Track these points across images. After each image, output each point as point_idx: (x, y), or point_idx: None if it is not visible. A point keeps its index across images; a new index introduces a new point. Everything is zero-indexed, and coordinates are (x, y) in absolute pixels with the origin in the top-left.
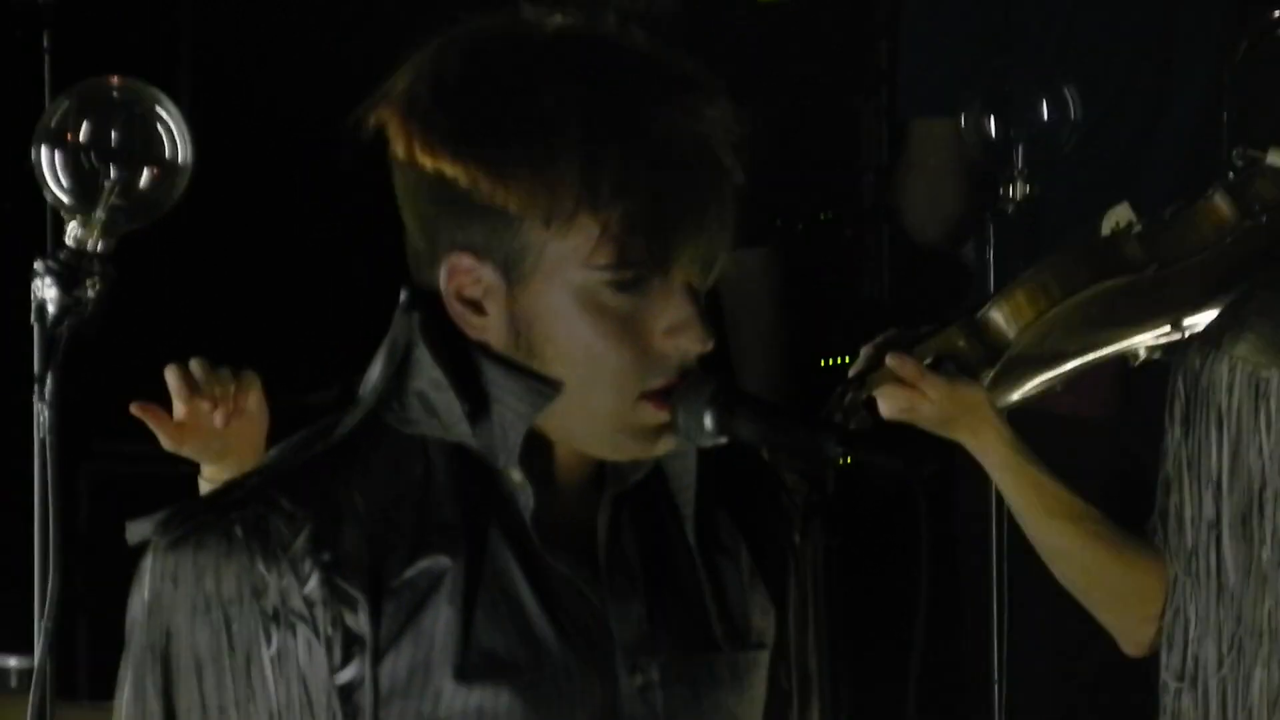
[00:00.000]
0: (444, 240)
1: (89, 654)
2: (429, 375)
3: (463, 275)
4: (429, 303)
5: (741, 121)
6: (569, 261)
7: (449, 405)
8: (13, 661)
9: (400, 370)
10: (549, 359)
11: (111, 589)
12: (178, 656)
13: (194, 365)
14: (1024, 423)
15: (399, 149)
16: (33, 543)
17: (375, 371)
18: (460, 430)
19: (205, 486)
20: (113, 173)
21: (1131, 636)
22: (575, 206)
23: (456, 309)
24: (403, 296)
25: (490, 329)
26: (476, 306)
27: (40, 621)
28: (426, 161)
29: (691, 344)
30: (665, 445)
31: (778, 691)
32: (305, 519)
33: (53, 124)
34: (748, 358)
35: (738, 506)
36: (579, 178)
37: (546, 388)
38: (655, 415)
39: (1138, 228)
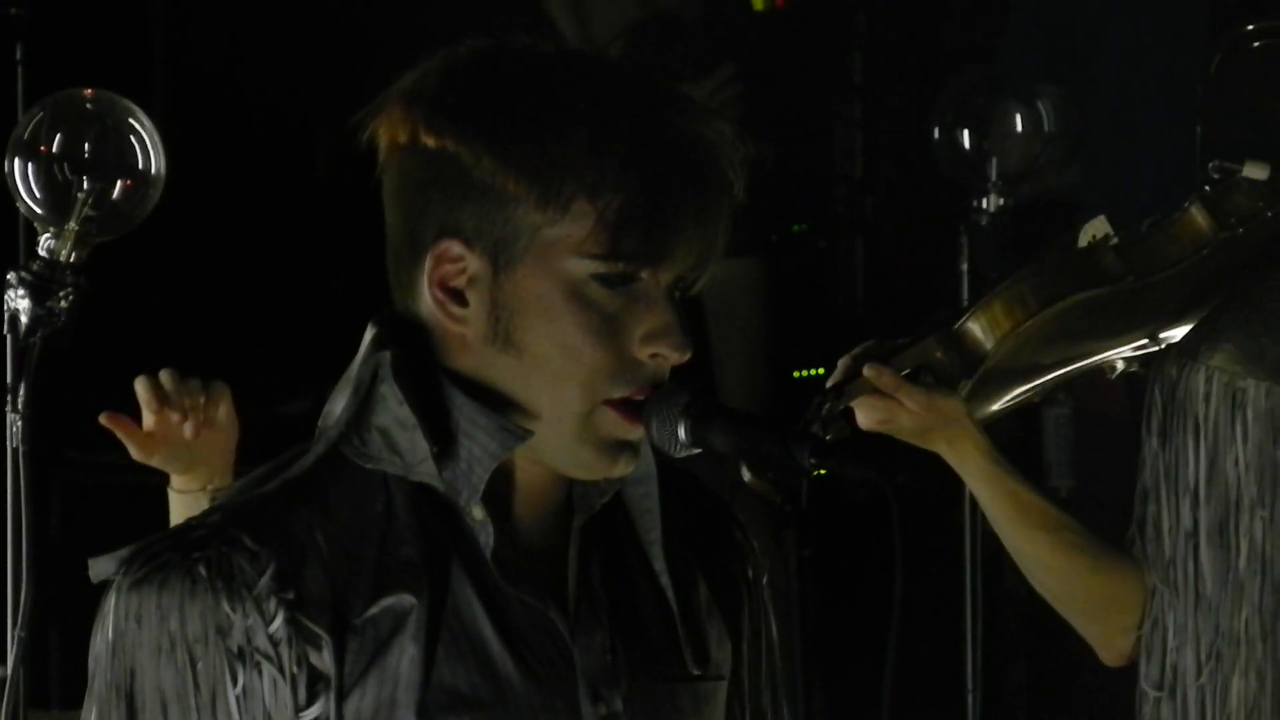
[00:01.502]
0: (431, 229)
1: (61, 662)
2: (394, 413)
3: (449, 264)
4: (400, 335)
5: (746, 143)
6: (561, 249)
7: (413, 444)
8: None
9: (364, 406)
10: (525, 350)
11: (84, 598)
12: (142, 695)
13: (163, 376)
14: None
15: (400, 135)
16: (5, 552)
17: (338, 405)
18: (424, 470)
19: (174, 497)
20: (86, 184)
21: (1110, 646)
22: (575, 191)
23: (438, 297)
24: (370, 332)
25: (470, 320)
26: (459, 297)
27: (13, 630)
28: (430, 141)
29: (669, 351)
30: (625, 465)
31: None
32: (269, 557)
33: (25, 135)
34: (727, 368)
35: (693, 539)
36: (583, 161)
37: (518, 429)
38: (619, 426)
39: (1114, 240)
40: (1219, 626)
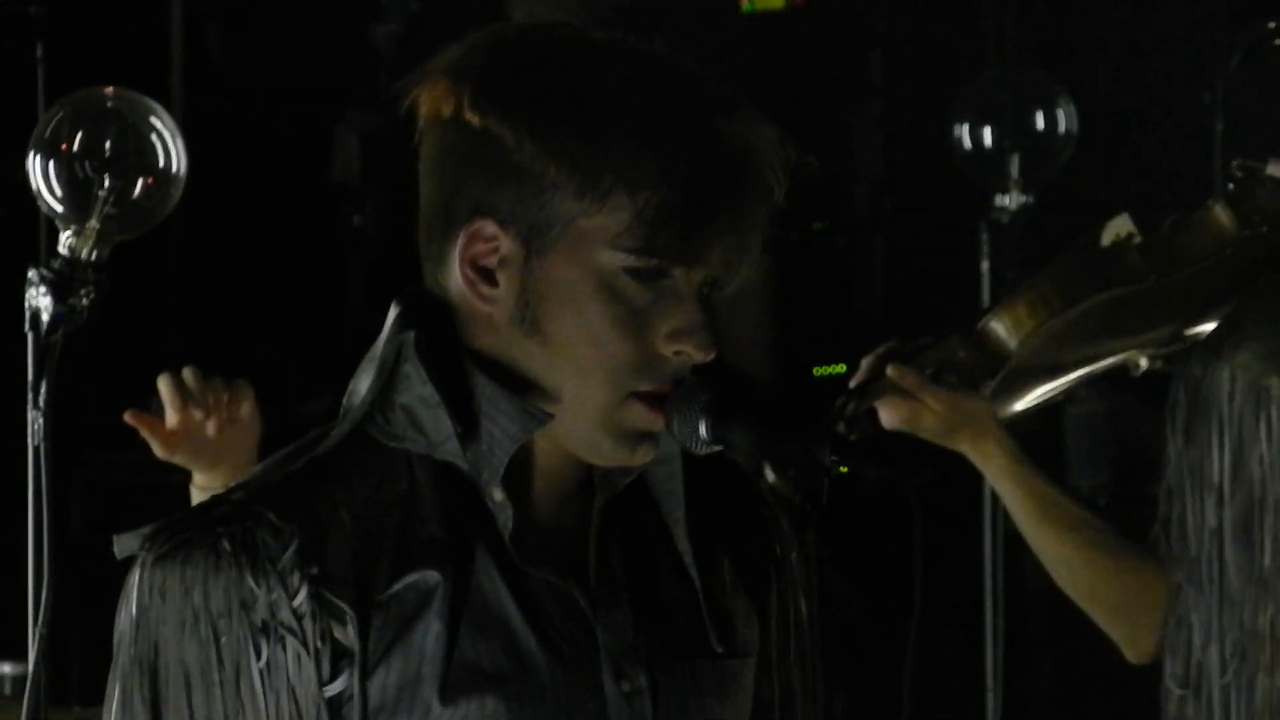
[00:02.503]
0: (467, 206)
1: (82, 660)
2: (418, 392)
3: (482, 243)
4: (425, 315)
5: (789, 148)
6: (596, 240)
7: (437, 423)
8: (6, 668)
9: (388, 384)
10: (551, 338)
11: (104, 595)
12: (166, 670)
13: (186, 374)
14: None
15: (444, 109)
16: (26, 550)
17: (362, 384)
18: (448, 449)
19: (197, 495)
20: (107, 182)
21: (1135, 644)
22: (614, 183)
23: (468, 276)
24: (394, 310)
25: (499, 301)
26: (489, 276)
27: (34, 628)
28: (472, 119)
29: (694, 350)
30: (644, 454)
31: (760, 703)
32: (292, 532)
33: (47, 134)
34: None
35: (718, 517)
36: (625, 154)
37: (539, 412)
38: (643, 418)
39: (1138, 239)
40: (1244, 624)
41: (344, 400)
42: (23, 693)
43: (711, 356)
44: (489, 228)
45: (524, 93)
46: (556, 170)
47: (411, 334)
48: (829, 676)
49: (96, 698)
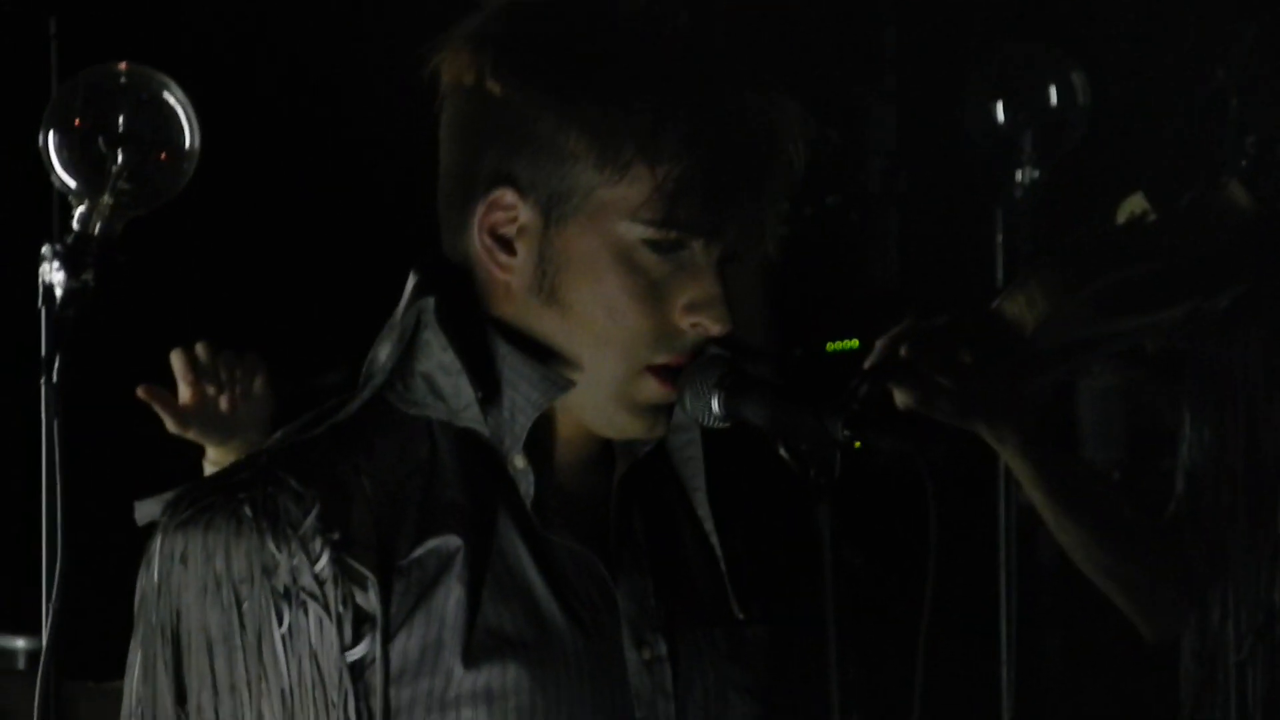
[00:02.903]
0: (487, 175)
1: (96, 635)
2: (438, 359)
3: (501, 211)
4: (443, 282)
5: (810, 122)
6: (615, 210)
7: (457, 390)
8: (20, 642)
9: (407, 352)
10: (569, 307)
11: (119, 570)
12: (188, 635)
13: (199, 349)
14: None
15: (466, 77)
16: (40, 524)
17: (382, 352)
18: (469, 415)
19: (210, 469)
20: (120, 158)
21: (1152, 622)
22: (634, 155)
23: (487, 243)
24: (412, 279)
25: (516, 270)
26: (507, 245)
27: (47, 603)
28: (494, 88)
29: (711, 323)
30: (661, 428)
31: (781, 667)
32: (314, 498)
33: (60, 110)
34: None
35: (739, 485)
36: (646, 125)
37: (561, 377)
38: (658, 391)
39: (1153, 216)
40: (1260, 601)
41: (364, 368)
42: (37, 667)
43: (728, 330)
44: (508, 196)
45: (545, 62)
46: (576, 141)
47: (431, 300)
48: (843, 648)
49: (111, 672)
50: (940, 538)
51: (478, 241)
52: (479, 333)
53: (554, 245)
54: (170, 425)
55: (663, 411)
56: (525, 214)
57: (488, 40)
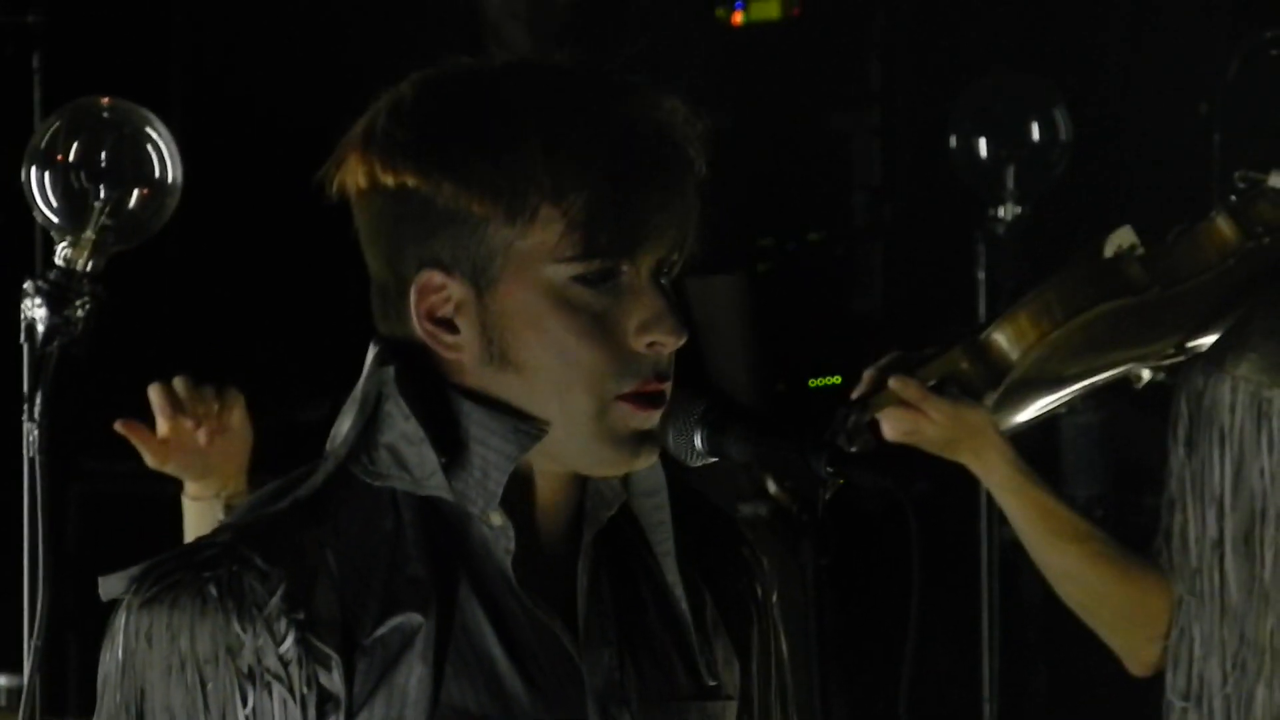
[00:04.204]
0: (410, 263)
1: (78, 672)
2: (400, 429)
3: (433, 294)
4: (401, 353)
5: (701, 117)
6: (536, 258)
7: (421, 459)
8: (1, 680)
9: (370, 424)
10: (523, 365)
11: (101, 607)
12: (152, 715)
13: (177, 383)
14: None
15: (361, 180)
16: (22, 561)
17: (345, 425)
18: (433, 483)
19: (189, 504)
20: (102, 193)
21: (1137, 656)
22: (539, 198)
23: (428, 329)
24: (372, 350)
25: (464, 347)
26: (448, 325)
27: (29, 640)
28: (389, 179)
29: (664, 336)
30: (647, 456)
31: None
32: (279, 577)
33: (43, 144)
34: (722, 382)
35: (700, 557)
36: (540, 167)
37: (532, 427)
38: (635, 417)
39: (1140, 250)
40: (1244, 636)
41: (328, 443)
42: (18, 705)
43: (684, 339)
44: (436, 278)
45: (429, 139)
46: (480, 203)
47: (391, 369)
48: (826, 688)
49: (91, 710)
50: (923, 572)
51: (419, 329)
52: (442, 395)
53: (491, 311)
54: (149, 460)
55: (646, 439)
56: (456, 290)
57: (371, 138)
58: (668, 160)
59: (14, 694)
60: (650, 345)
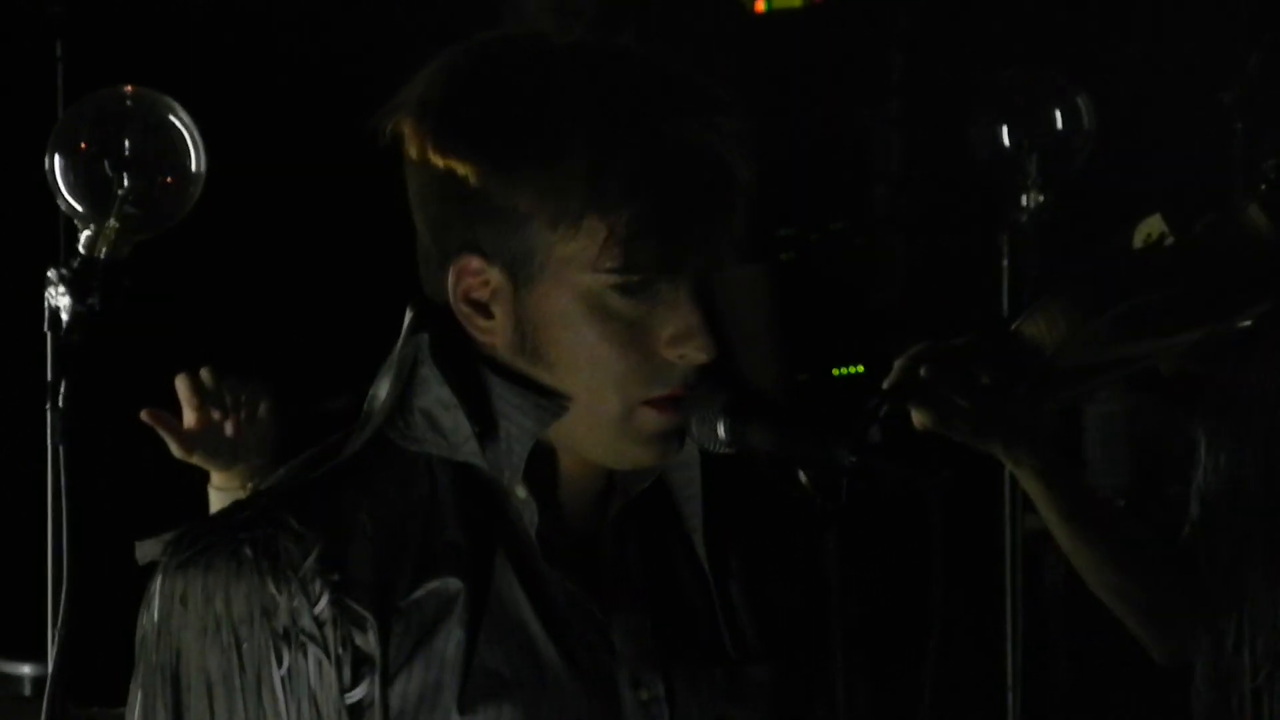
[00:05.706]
0: (453, 242)
1: (102, 660)
2: (436, 394)
3: (471, 277)
4: (436, 319)
5: (749, 133)
6: (576, 264)
7: (456, 424)
8: (26, 669)
9: (406, 388)
10: (554, 363)
11: (125, 596)
12: (188, 676)
13: (203, 374)
14: None
15: (413, 151)
16: (46, 550)
17: (381, 389)
18: (467, 450)
19: (214, 495)
20: (126, 182)
21: (1165, 646)
22: (583, 207)
23: (464, 311)
24: (409, 315)
25: (497, 332)
26: (483, 309)
27: (53, 628)
28: (438, 161)
29: (696, 353)
30: (671, 453)
31: (780, 707)
32: (314, 539)
33: (66, 133)
34: (745, 372)
35: (740, 520)
36: (587, 178)
37: (553, 404)
38: (659, 420)
39: (1170, 239)
40: (1275, 627)
41: (364, 405)
42: (43, 693)
43: (714, 356)
44: (475, 262)
45: (483, 128)
46: (526, 202)
47: (426, 336)
48: (850, 676)
49: (116, 698)
50: (946, 562)
51: (455, 307)
52: (474, 367)
53: (528, 306)
54: (175, 450)
55: (672, 436)
56: (494, 277)
57: (427, 109)
58: (715, 180)
59: (39, 682)
60: (680, 357)
